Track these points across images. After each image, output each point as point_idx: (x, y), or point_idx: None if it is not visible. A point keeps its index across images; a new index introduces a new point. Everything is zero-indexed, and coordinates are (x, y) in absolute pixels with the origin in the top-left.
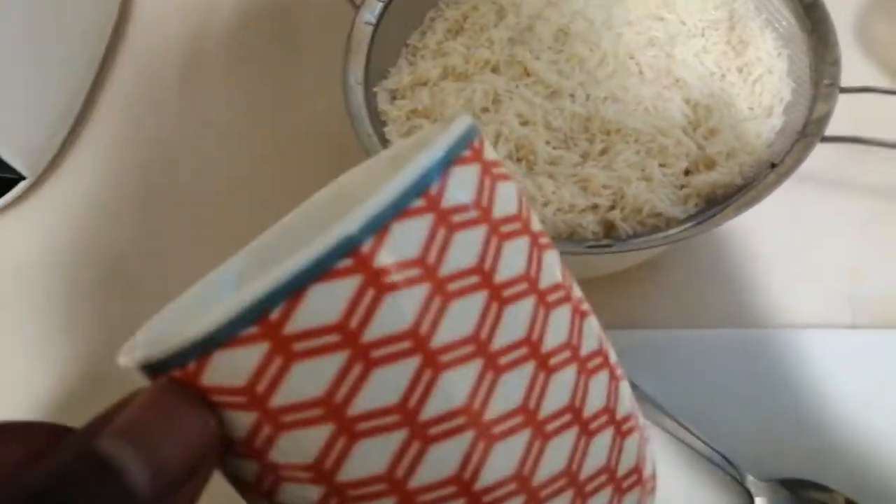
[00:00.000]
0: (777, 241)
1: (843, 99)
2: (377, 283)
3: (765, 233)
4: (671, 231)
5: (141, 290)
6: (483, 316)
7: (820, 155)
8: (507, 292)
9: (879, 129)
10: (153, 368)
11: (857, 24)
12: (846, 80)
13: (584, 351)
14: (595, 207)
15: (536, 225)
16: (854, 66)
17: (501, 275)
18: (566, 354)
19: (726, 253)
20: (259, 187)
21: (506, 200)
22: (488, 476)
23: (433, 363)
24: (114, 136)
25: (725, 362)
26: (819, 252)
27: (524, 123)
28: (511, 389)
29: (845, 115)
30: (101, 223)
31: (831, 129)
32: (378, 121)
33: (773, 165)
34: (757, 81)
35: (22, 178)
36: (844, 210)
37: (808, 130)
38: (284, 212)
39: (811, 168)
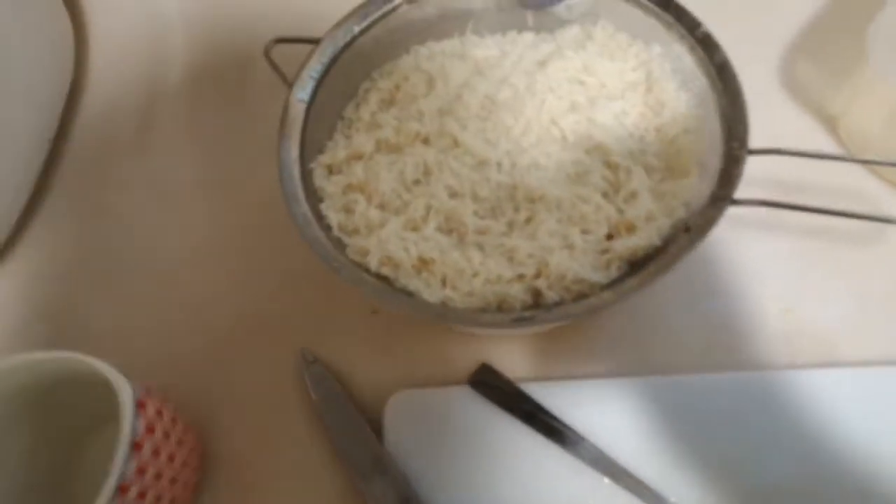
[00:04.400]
0: (711, 283)
1: (757, 160)
2: None
3: (698, 277)
4: (593, 301)
5: (99, 355)
6: None
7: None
8: None
9: (793, 187)
10: None
11: (781, 66)
12: (769, 125)
13: None
14: (521, 277)
15: None
16: (778, 109)
17: None
18: None
19: (662, 299)
20: (215, 254)
21: None
22: None
23: None
24: (70, 209)
25: (666, 409)
26: (753, 293)
27: (453, 195)
28: None
29: (759, 174)
30: (60, 295)
31: (744, 190)
32: (315, 196)
33: (688, 229)
34: (673, 141)
35: None
36: (774, 250)
37: (720, 193)
38: (240, 279)
39: (737, 212)
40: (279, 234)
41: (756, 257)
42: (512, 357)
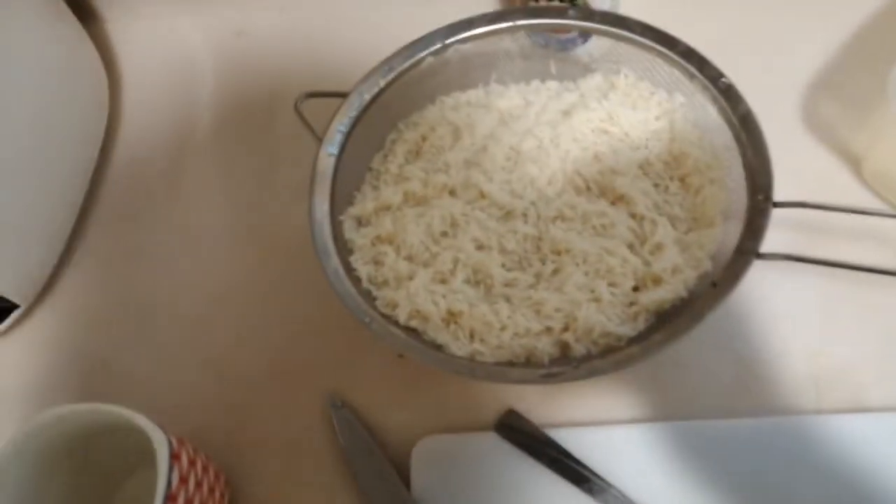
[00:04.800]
0: (737, 327)
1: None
2: None
3: (725, 320)
4: (620, 357)
5: (132, 400)
6: None
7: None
8: None
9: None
10: None
11: (803, 106)
12: (792, 166)
13: None
14: (549, 330)
15: None
16: (801, 150)
17: None
18: None
19: (688, 343)
20: (243, 300)
21: None
22: None
23: None
24: (101, 256)
25: (693, 454)
26: (780, 336)
27: (480, 248)
28: None
29: (784, 219)
30: (91, 342)
31: (770, 237)
32: (345, 248)
33: (714, 284)
34: (699, 192)
35: (16, 306)
36: (801, 292)
37: (746, 247)
38: (268, 324)
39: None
40: (306, 280)
41: (783, 300)
42: (538, 402)
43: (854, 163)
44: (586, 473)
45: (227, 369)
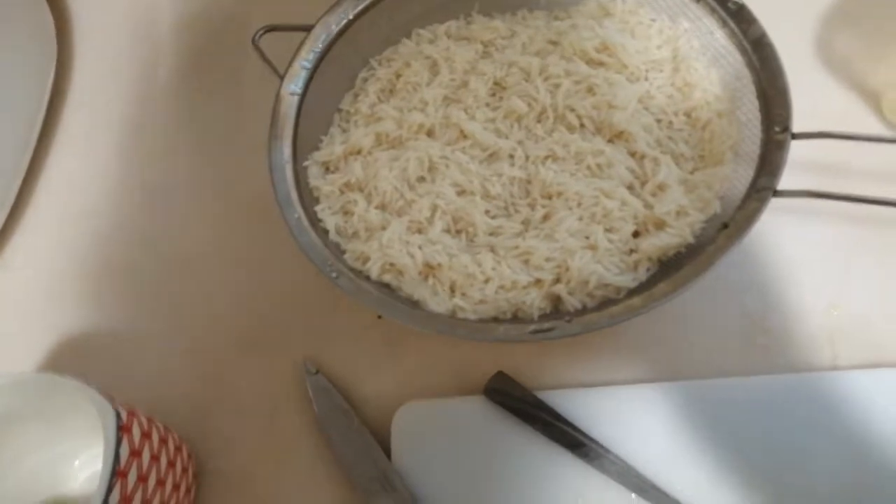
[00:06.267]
0: (747, 277)
1: (798, 143)
2: None
3: (733, 269)
4: (619, 309)
5: (93, 363)
6: None
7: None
8: None
9: (839, 172)
10: None
11: (817, 40)
12: (808, 103)
13: None
14: (539, 282)
15: None
16: (816, 85)
17: None
18: None
19: (693, 295)
20: (209, 261)
21: None
22: None
23: None
24: (55, 220)
25: (697, 416)
26: (794, 287)
27: (461, 193)
28: None
29: (802, 160)
30: (48, 309)
31: (786, 178)
32: (310, 197)
33: (726, 225)
34: (706, 127)
35: None
36: (817, 238)
37: (762, 184)
38: (236, 287)
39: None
40: (276, 239)
41: (798, 247)
42: (530, 363)
43: (873, 98)
44: (582, 438)
45: (195, 338)
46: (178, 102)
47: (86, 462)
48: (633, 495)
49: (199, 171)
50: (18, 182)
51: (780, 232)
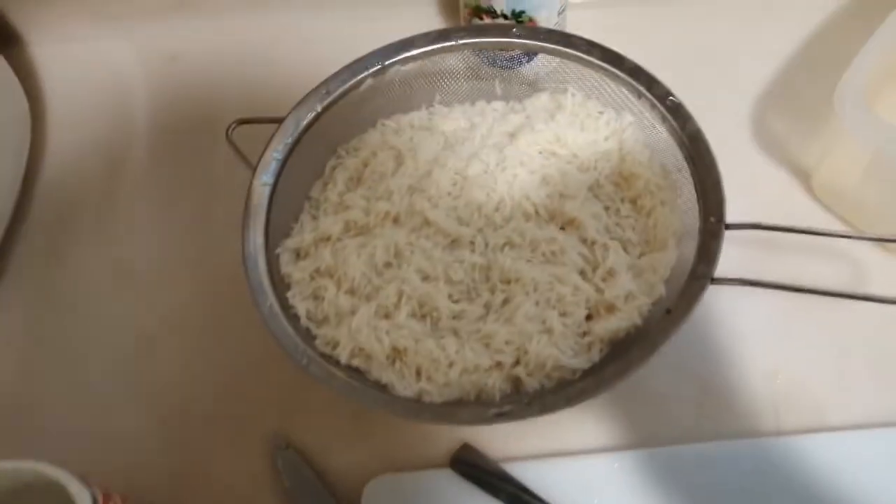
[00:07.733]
0: (696, 348)
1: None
2: None
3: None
4: (573, 391)
5: (63, 452)
6: None
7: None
8: None
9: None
10: None
11: (752, 119)
12: (743, 180)
13: None
14: (500, 365)
15: None
16: (751, 164)
17: None
18: None
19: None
20: (178, 337)
21: None
22: None
23: None
24: (25, 298)
25: (657, 482)
26: (738, 355)
27: (425, 279)
28: None
29: (738, 240)
30: (17, 391)
31: (724, 259)
32: (282, 284)
33: (669, 311)
34: (650, 214)
35: None
36: (756, 309)
37: (699, 272)
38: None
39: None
40: (247, 316)
41: (738, 321)
42: (494, 435)
43: (805, 177)
44: None
45: (166, 413)
46: (151, 188)
47: None
48: None
49: (171, 251)
50: None
51: (721, 309)
